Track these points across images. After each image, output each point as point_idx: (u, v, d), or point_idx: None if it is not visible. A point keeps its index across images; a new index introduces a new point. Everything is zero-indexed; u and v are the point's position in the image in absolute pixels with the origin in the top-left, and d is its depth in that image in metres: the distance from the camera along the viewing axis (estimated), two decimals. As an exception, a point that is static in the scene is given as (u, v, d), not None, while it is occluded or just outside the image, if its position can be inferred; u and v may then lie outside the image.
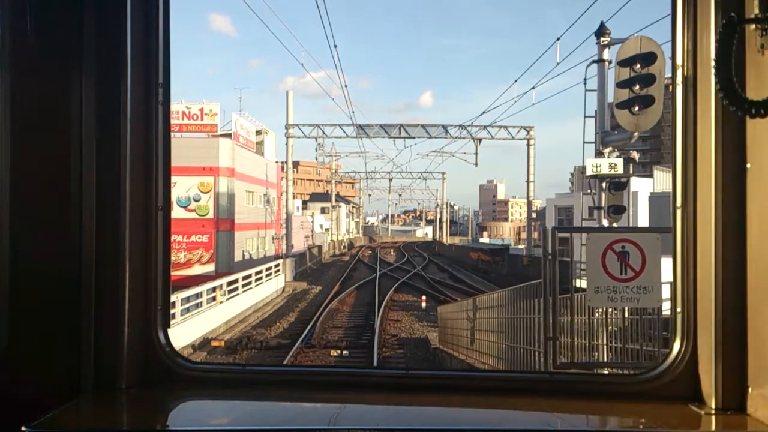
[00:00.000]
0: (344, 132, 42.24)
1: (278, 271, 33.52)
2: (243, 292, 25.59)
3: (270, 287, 30.94)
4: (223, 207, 42.11)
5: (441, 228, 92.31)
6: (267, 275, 30.67)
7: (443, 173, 78.92)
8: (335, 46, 29.56)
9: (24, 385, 1.80)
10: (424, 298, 26.26)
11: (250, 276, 27.57)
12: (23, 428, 1.66)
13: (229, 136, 41.65)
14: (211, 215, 41.01)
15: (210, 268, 40.17)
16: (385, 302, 25.99)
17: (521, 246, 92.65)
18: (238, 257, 43.57)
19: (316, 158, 41.42)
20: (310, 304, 27.86)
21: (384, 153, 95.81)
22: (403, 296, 29.71)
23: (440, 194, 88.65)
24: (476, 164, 42.94)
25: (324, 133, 42.21)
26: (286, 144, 41.82)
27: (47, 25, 1.81)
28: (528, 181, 43.22)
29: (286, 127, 41.15)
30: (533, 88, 26.08)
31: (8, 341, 1.74)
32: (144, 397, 2.02)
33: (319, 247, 56.86)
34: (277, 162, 48.87)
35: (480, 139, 42.02)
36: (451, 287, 32.78)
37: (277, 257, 40.59)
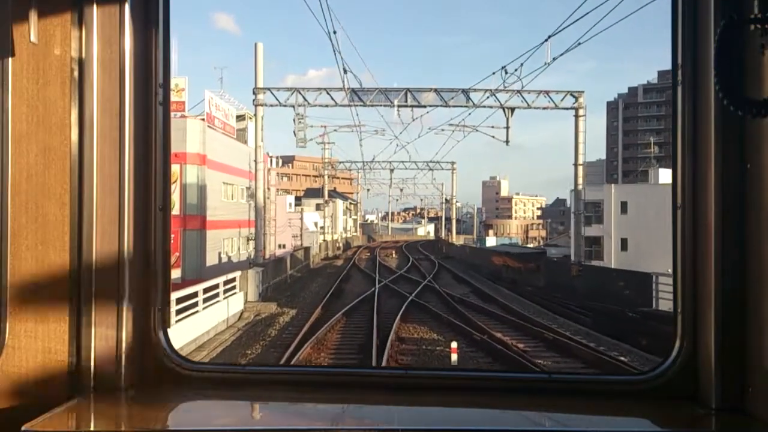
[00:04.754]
0: (333, 99, 31.13)
1: (233, 288, 22.40)
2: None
3: (215, 316, 20.06)
4: (192, 201, 36.04)
5: (447, 226, 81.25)
6: (211, 297, 19.59)
7: (453, 163, 67.71)
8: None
9: (24, 385, 1.93)
10: (454, 346, 14.94)
11: (182, 300, 16.72)
12: (23, 428, 1.71)
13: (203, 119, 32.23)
14: (176, 211, 34.17)
15: (176, 274, 32.89)
16: (389, 346, 15.22)
17: (530, 245, 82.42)
18: (212, 260, 37.77)
19: (295, 133, 30.13)
20: (268, 347, 16.93)
21: (387, 126, 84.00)
22: (416, 331, 19.01)
23: (446, 188, 77.95)
24: (507, 141, 32.10)
25: (306, 99, 31.01)
26: (255, 114, 30.77)
27: (47, 25, 1.93)
28: (576, 164, 32.43)
29: (254, 92, 30.42)
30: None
31: (8, 341, 1.91)
32: (144, 397, 2.06)
33: (306, 249, 45.78)
34: (267, 154, 39.16)
35: (512, 109, 31.36)
36: (485, 313, 22.17)
37: (264, 259, 33.11)
